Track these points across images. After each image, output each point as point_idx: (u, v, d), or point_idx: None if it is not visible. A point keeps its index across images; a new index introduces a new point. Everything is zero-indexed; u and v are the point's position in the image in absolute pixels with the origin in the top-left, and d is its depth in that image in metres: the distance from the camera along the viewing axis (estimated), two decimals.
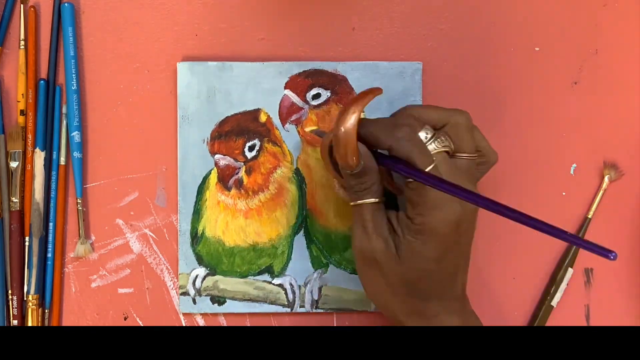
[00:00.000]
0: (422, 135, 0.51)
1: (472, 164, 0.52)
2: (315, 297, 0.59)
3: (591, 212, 0.60)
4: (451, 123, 0.52)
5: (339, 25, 0.60)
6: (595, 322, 0.60)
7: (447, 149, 0.51)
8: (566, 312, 0.60)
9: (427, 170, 0.49)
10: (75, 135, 0.58)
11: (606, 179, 0.60)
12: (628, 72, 0.61)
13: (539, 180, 0.60)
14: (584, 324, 0.60)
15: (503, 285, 0.60)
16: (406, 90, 0.59)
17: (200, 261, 0.58)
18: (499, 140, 0.60)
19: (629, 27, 0.61)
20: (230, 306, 0.58)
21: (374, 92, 0.51)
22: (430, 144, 0.51)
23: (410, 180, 0.49)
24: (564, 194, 0.61)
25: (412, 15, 0.60)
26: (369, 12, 0.60)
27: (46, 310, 0.58)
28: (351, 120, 0.49)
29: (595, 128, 0.61)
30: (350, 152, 0.50)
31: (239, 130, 0.58)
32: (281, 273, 0.59)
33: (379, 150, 0.51)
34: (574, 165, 0.61)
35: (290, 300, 0.59)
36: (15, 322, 0.57)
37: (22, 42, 0.58)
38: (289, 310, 0.59)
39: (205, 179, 0.58)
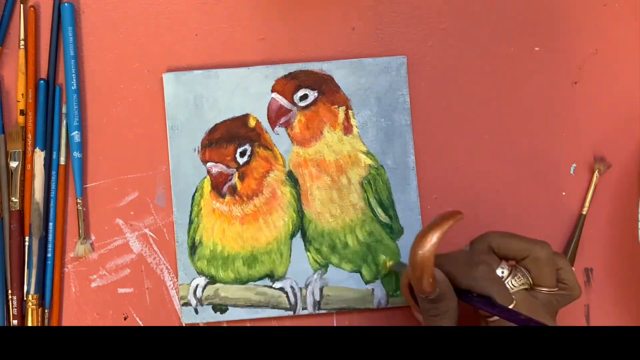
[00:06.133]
0: (499, 271, 0.51)
1: (551, 297, 0.52)
2: (317, 299, 0.59)
3: (585, 209, 0.60)
4: (531, 257, 0.51)
5: (338, 26, 0.60)
6: (595, 322, 0.60)
7: (525, 287, 0.51)
8: (566, 312, 0.60)
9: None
10: (75, 135, 0.58)
11: (596, 173, 0.60)
12: (628, 72, 0.61)
13: (539, 180, 0.60)
14: (584, 324, 0.60)
15: None
16: (392, 85, 0.59)
17: (200, 270, 0.58)
18: (499, 140, 0.60)
19: (629, 27, 0.61)
20: (233, 313, 0.58)
21: (455, 217, 0.49)
22: (508, 282, 0.51)
23: (494, 318, 0.50)
24: (564, 193, 0.60)
25: (413, 15, 0.60)
26: (369, 11, 0.60)
27: (46, 310, 0.58)
28: (429, 245, 0.48)
29: (595, 128, 0.61)
30: (427, 277, 0.49)
31: (229, 137, 0.58)
32: (281, 277, 0.59)
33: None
34: (574, 165, 0.61)
35: (292, 303, 0.58)
36: (15, 322, 0.57)
37: (22, 42, 0.58)
38: (291, 313, 0.58)
39: (199, 187, 0.58)
